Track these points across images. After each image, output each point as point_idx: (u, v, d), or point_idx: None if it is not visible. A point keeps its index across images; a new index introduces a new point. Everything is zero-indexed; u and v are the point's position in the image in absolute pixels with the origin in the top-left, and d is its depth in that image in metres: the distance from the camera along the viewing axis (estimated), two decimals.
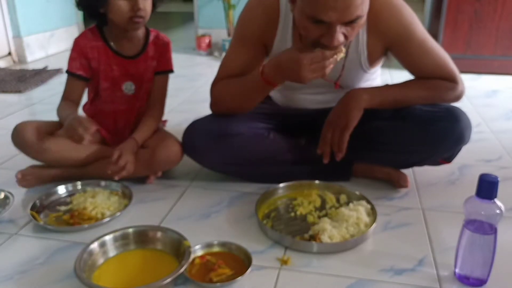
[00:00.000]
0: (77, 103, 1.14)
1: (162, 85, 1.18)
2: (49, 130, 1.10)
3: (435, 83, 1.02)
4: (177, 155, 1.10)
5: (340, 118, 1.00)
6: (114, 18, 1.05)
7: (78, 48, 1.11)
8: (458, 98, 1.04)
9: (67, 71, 1.13)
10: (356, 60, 1.04)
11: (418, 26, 1.00)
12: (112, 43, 1.12)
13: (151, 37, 1.15)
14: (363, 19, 0.88)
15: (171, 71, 1.19)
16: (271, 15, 1.02)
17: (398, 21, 0.98)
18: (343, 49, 0.88)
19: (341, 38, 0.85)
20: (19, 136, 1.07)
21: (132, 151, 1.07)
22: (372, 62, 1.05)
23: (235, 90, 1.03)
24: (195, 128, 1.08)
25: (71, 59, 1.12)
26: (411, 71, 1.05)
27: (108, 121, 1.18)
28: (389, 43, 1.01)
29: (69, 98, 1.13)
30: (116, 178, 1.04)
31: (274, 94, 1.22)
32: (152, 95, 1.17)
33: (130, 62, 1.13)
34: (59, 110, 1.11)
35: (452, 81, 1.02)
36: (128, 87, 1.15)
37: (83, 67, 1.11)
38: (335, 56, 0.87)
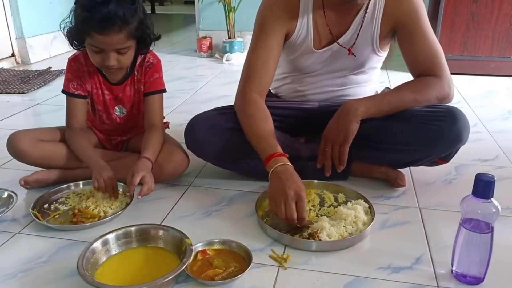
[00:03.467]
0: (82, 125, 1.14)
1: (154, 106, 1.14)
2: (43, 136, 1.11)
3: (425, 81, 1.05)
4: (184, 167, 1.13)
5: (338, 133, 1.02)
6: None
7: (72, 70, 1.11)
8: (449, 94, 1.06)
9: (65, 91, 1.12)
10: (369, 35, 1.08)
11: (425, 15, 1.06)
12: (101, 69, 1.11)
13: (138, 60, 1.12)
14: None
15: (162, 91, 1.15)
16: (291, 1, 1.05)
17: (411, 5, 1.04)
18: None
19: None
20: (14, 147, 1.09)
21: (147, 169, 1.02)
22: (381, 40, 1.09)
23: (247, 130, 1.03)
24: (197, 122, 1.10)
25: (67, 80, 1.11)
26: (407, 56, 1.08)
27: (104, 130, 1.20)
28: (398, 23, 1.06)
29: (74, 122, 1.12)
30: (139, 197, 0.99)
31: (280, 86, 1.23)
32: (146, 117, 1.14)
33: (117, 88, 1.13)
34: (73, 144, 1.10)
35: (439, 74, 1.05)
36: (119, 110, 1.15)
37: (81, 87, 1.11)
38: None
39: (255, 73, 1.07)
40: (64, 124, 1.16)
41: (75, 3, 1.02)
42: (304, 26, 1.07)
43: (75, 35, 1.04)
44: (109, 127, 1.19)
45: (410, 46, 1.06)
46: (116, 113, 1.16)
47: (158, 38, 1.11)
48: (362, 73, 1.15)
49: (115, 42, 0.99)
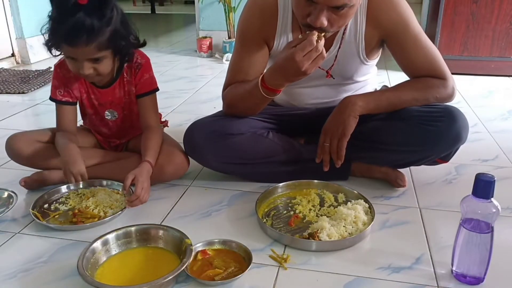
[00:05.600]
0: (71, 130, 1.12)
1: (148, 107, 1.12)
2: (41, 138, 1.11)
3: (427, 81, 1.04)
4: (184, 168, 1.13)
5: (336, 127, 1.02)
6: None
7: (58, 77, 1.09)
8: (450, 96, 1.05)
9: (52, 98, 1.10)
10: (354, 49, 1.06)
11: (414, 21, 1.04)
12: None
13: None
14: (352, 11, 0.91)
15: (155, 90, 1.13)
16: (269, 11, 1.04)
17: (396, 14, 1.01)
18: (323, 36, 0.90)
19: (324, 21, 0.88)
20: (12, 149, 1.09)
21: (148, 175, 1.02)
22: (368, 52, 1.07)
23: (243, 97, 1.05)
24: (196, 128, 1.09)
25: (54, 87, 1.10)
26: (403, 64, 1.07)
27: (102, 133, 1.20)
28: (386, 34, 1.03)
29: (62, 128, 1.11)
30: (129, 206, 0.99)
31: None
32: (142, 119, 1.13)
33: (105, 91, 1.11)
34: (56, 142, 1.09)
35: (442, 77, 1.04)
36: (110, 114, 1.14)
37: (68, 94, 1.10)
38: (321, 41, 0.89)
39: (237, 79, 1.08)
40: None
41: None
42: (284, 43, 1.06)
43: (49, 44, 1.01)
44: (105, 129, 1.19)
45: (403, 55, 1.05)
46: (108, 118, 1.15)
47: (143, 45, 1.08)
48: (355, 82, 1.15)
49: (85, 53, 0.95)
